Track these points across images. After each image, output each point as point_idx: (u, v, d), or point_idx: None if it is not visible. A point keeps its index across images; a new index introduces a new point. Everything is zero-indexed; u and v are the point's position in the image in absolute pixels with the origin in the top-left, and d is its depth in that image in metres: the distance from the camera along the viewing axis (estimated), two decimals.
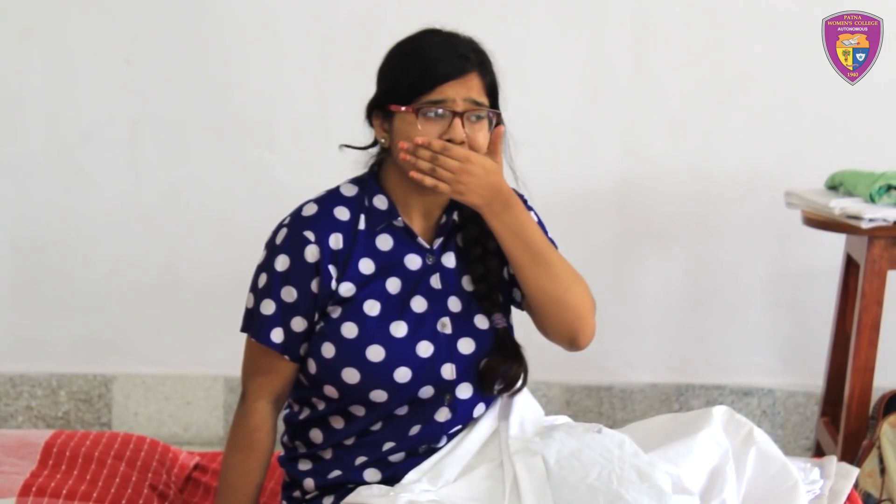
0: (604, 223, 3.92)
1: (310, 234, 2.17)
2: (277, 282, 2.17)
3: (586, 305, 2.24)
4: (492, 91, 2.20)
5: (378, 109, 2.20)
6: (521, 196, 2.33)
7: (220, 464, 2.27)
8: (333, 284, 2.16)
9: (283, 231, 2.19)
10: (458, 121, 2.13)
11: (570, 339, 2.23)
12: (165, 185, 3.92)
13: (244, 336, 2.27)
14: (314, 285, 2.16)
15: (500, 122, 2.22)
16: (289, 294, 2.17)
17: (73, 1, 3.85)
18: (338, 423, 2.21)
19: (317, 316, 2.18)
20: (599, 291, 3.86)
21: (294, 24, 3.86)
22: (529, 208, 2.33)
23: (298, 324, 2.18)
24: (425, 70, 2.14)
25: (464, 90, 2.14)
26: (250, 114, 3.90)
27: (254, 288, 2.21)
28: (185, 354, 4.00)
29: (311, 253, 2.16)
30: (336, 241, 2.17)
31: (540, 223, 2.33)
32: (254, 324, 2.20)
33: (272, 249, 2.19)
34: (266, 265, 2.19)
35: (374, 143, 2.25)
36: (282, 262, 2.17)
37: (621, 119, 3.89)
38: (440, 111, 2.13)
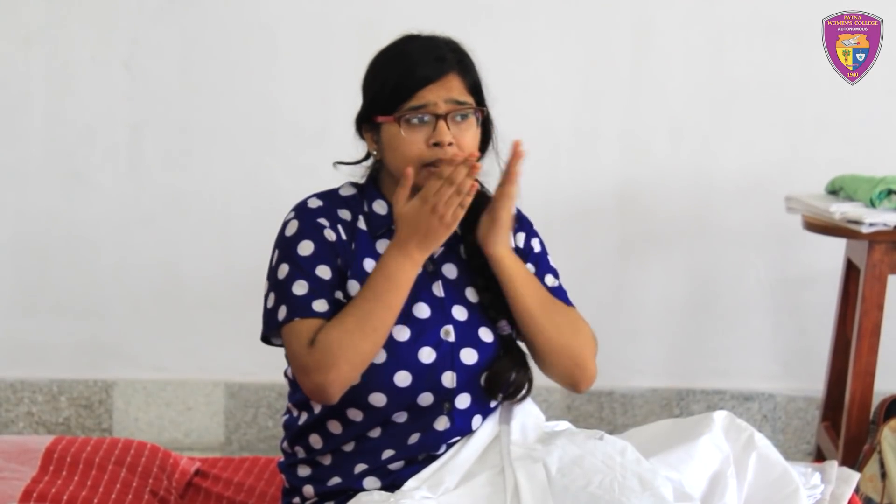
0: (604, 228, 3.92)
1: (323, 221, 2.18)
2: (307, 264, 2.14)
3: (587, 354, 2.28)
4: (475, 89, 2.19)
5: (366, 122, 2.21)
6: (527, 220, 2.34)
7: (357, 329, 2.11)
8: (348, 273, 2.17)
9: (294, 223, 2.19)
10: (442, 123, 2.13)
11: (571, 386, 2.28)
12: (166, 191, 3.93)
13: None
14: (340, 262, 2.17)
15: (487, 118, 2.22)
16: (323, 272, 2.15)
17: (73, 6, 3.85)
18: (335, 428, 2.21)
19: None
20: (600, 296, 3.92)
21: (294, 29, 3.86)
22: (535, 234, 2.34)
23: (341, 295, 2.16)
24: (403, 77, 2.14)
25: (444, 91, 2.14)
26: (251, 119, 3.90)
27: (275, 285, 2.17)
28: (185, 360, 4.00)
29: (330, 235, 2.17)
30: (342, 233, 2.19)
31: (543, 249, 2.34)
32: (291, 309, 2.13)
33: (288, 242, 2.17)
34: (285, 257, 2.16)
35: (368, 156, 2.26)
36: (305, 247, 2.16)
37: (622, 124, 3.89)
38: (423, 117, 2.13)
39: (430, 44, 2.19)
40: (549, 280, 2.32)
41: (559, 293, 2.31)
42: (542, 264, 2.32)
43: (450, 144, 2.13)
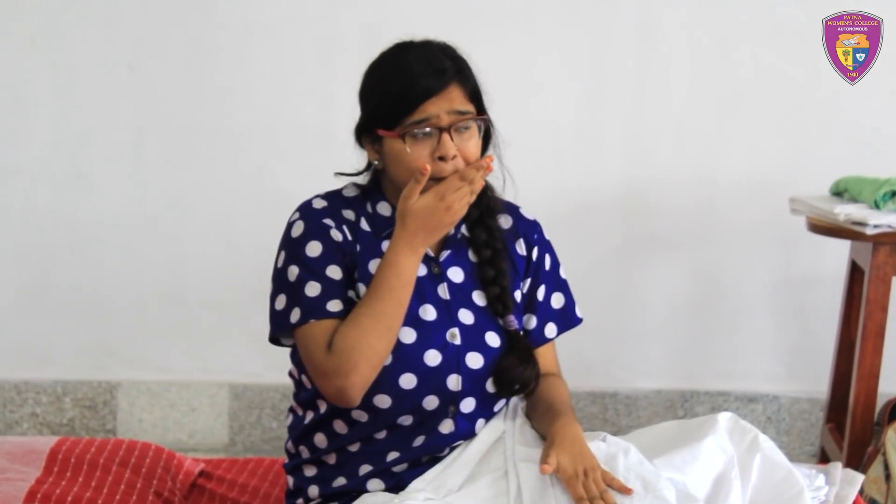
0: (608, 230, 3.92)
1: (329, 222, 2.18)
2: (317, 265, 2.14)
3: None
4: (474, 95, 2.19)
5: (366, 133, 2.20)
6: (539, 229, 2.34)
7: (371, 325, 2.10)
8: (356, 274, 2.17)
9: (300, 224, 2.19)
10: (445, 136, 2.13)
11: None
12: (170, 192, 3.93)
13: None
14: (348, 261, 2.17)
15: (488, 126, 2.22)
16: (333, 272, 2.15)
17: (77, 9, 3.86)
18: (341, 427, 2.22)
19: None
20: (604, 298, 3.92)
21: (299, 31, 3.86)
22: (547, 247, 2.34)
23: (352, 295, 2.17)
24: (404, 91, 2.13)
25: (446, 103, 2.13)
26: (255, 120, 3.90)
27: (283, 287, 2.16)
28: (189, 361, 4.01)
29: (336, 236, 2.17)
30: (348, 234, 2.19)
31: (554, 262, 2.35)
32: (305, 311, 2.13)
33: (295, 243, 2.17)
34: (293, 258, 2.16)
35: (369, 166, 2.25)
36: (313, 248, 2.16)
37: (625, 126, 3.89)
38: (427, 130, 2.13)
39: (427, 54, 2.17)
40: (557, 300, 2.34)
41: (567, 312, 2.34)
42: (551, 282, 2.33)
43: (454, 157, 2.13)
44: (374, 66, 2.22)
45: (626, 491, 2.05)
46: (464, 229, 2.27)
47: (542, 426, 2.22)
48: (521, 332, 2.27)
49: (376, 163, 2.21)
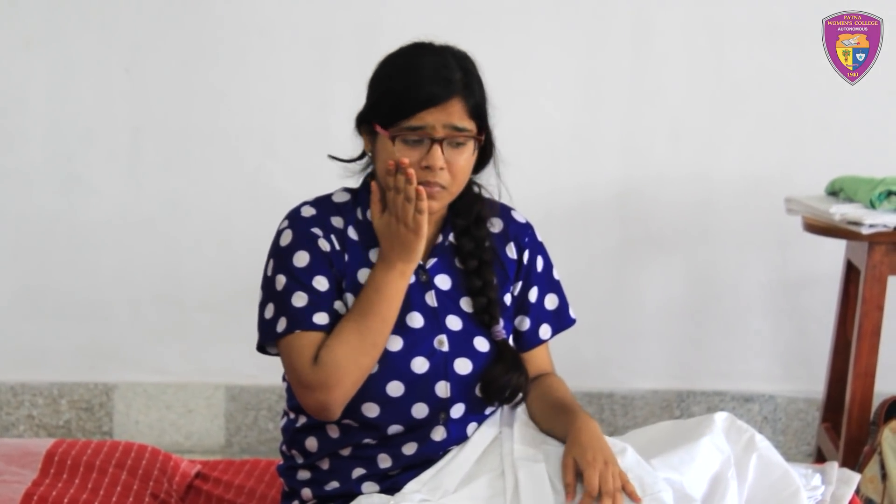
0: (604, 230, 3.92)
1: (317, 231, 2.18)
2: (304, 275, 2.14)
3: None
4: (477, 112, 2.16)
5: (365, 123, 2.20)
6: (531, 232, 2.33)
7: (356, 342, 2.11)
8: (344, 284, 2.17)
9: (288, 233, 2.18)
10: (436, 147, 2.11)
11: None
12: (166, 194, 3.93)
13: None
14: (335, 272, 2.16)
15: (486, 143, 2.21)
16: (320, 283, 2.14)
17: (73, 10, 3.85)
18: (333, 432, 2.21)
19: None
20: (600, 298, 3.92)
21: (294, 32, 3.86)
22: (539, 249, 2.33)
23: (339, 305, 2.16)
24: (406, 94, 2.12)
25: (444, 116, 2.12)
26: (251, 122, 3.90)
27: (271, 296, 2.16)
28: (186, 363, 4.00)
29: (324, 245, 2.17)
30: (336, 243, 2.18)
31: (546, 264, 2.33)
32: (291, 321, 2.12)
33: (283, 252, 2.17)
34: (281, 268, 2.16)
35: (363, 155, 2.25)
36: (301, 258, 2.15)
37: (622, 126, 3.89)
38: (418, 138, 2.12)
39: (440, 60, 2.15)
40: (550, 301, 2.33)
41: (560, 313, 2.33)
42: (544, 283, 2.32)
43: (441, 168, 2.12)
44: (388, 59, 2.20)
45: (636, 499, 2.05)
46: (451, 238, 2.26)
47: (552, 425, 2.21)
48: (509, 341, 2.26)
49: (370, 153, 2.21)
